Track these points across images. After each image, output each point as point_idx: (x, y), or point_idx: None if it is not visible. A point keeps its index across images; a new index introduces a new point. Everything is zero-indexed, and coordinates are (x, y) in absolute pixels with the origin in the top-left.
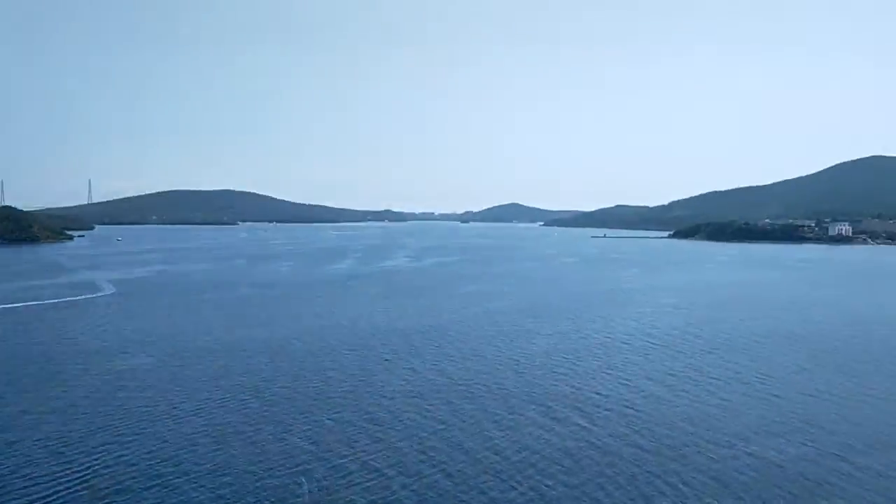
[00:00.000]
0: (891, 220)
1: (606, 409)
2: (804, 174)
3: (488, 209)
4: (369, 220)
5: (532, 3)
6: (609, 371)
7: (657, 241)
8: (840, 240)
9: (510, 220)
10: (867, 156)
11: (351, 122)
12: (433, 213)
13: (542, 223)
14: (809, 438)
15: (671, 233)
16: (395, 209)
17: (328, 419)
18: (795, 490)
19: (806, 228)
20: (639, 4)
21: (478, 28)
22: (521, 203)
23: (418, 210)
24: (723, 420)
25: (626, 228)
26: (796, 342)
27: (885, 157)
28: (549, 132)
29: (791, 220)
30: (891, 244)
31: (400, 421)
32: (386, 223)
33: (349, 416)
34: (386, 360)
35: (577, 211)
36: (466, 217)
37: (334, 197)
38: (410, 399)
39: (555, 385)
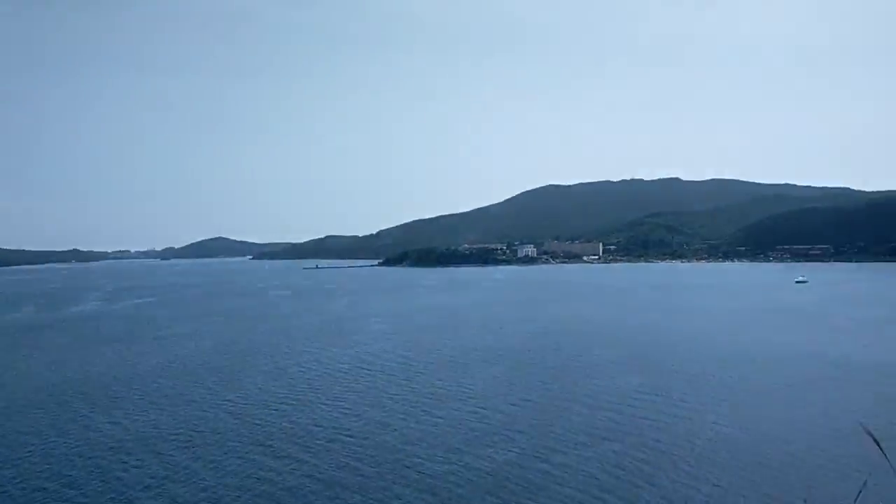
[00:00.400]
0: (567, 241)
1: (329, 441)
2: (496, 201)
3: (191, 244)
4: (51, 262)
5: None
6: (328, 402)
7: (367, 270)
8: (527, 261)
9: (216, 255)
10: (545, 185)
11: (21, 150)
12: (129, 252)
13: (251, 257)
14: (514, 444)
15: (381, 261)
16: (83, 249)
17: (15, 488)
18: (505, 494)
19: (499, 251)
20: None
21: (197, 62)
22: (226, 237)
23: (111, 249)
24: (438, 437)
25: (338, 258)
26: (496, 356)
27: (558, 185)
28: (255, 166)
29: (486, 245)
30: (567, 262)
31: (102, 480)
32: (73, 264)
33: (38, 482)
34: (82, 414)
35: (286, 243)
36: (167, 254)
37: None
38: (111, 454)
39: (273, 422)
